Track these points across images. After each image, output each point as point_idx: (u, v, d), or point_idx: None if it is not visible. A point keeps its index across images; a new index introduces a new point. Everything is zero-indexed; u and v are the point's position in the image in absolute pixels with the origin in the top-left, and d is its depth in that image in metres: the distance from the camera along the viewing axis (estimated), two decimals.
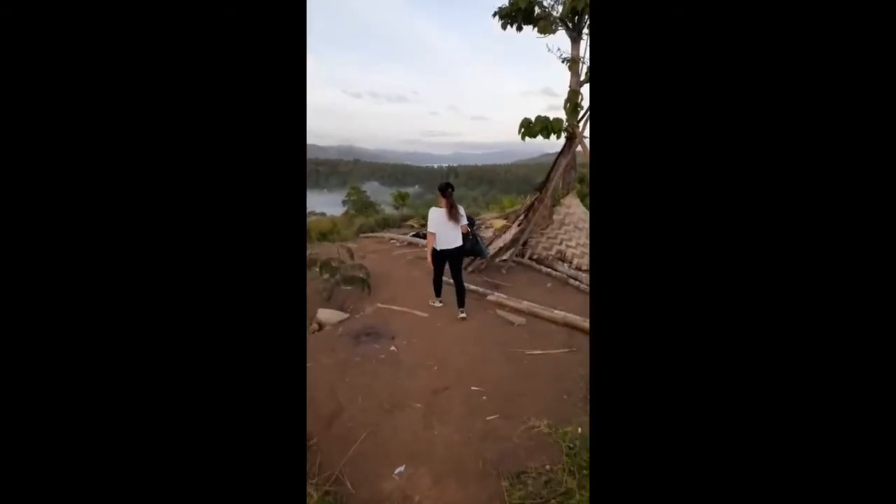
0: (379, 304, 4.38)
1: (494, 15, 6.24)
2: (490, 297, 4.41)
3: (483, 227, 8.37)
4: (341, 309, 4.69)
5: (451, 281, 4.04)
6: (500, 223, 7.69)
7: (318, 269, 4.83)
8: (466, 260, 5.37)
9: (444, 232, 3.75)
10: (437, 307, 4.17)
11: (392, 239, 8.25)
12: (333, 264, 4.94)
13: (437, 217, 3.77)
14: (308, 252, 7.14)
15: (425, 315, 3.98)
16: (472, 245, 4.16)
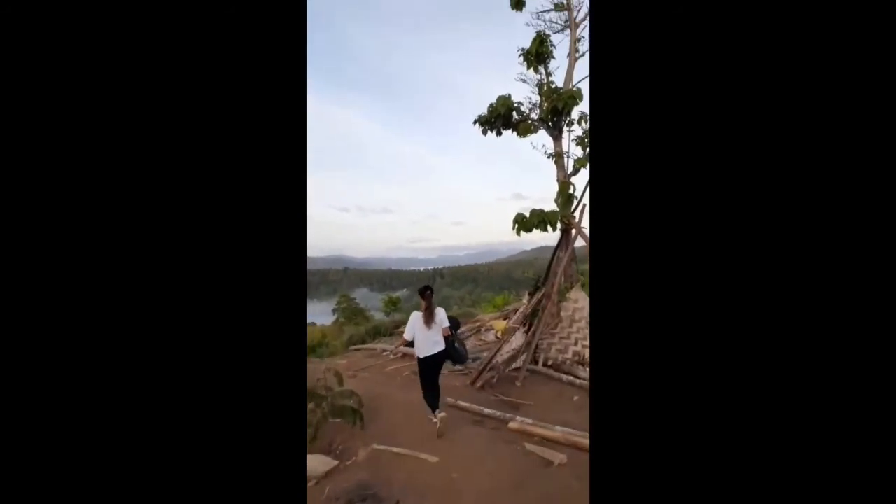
0: (375, 445, 3.49)
1: (475, 122, 6.45)
2: (513, 424, 3.59)
3: (483, 329, 7.69)
4: (328, 451, 3.76)
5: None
6: (501, 324, 7.06)
7: None
8: (473, 373, 4.61)
9: (423, 337, 3.50)
10: (435, 422, 3.56)
11: (385, 351, 7.43)
12: (320, 392, 4.12)
13: (415, 321, 3.55)
14: None
15: (434, 460, 3.10)
16: (451, 348, 3.64)
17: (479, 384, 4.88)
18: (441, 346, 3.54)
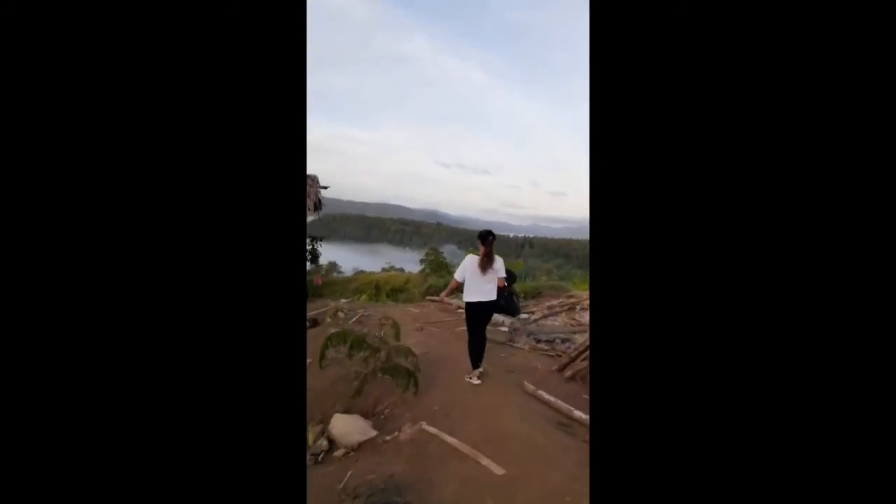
0: (424, 426, 2.68)
1: None
2: None
3: (578, 307, 6.43)
4: (370, 414, 3.08)
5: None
6: None
7: (349, 346, 3.34)
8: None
9: (477, 282, 3.27)
10: (477, 384, 3.35)
11: (460, 308, 6.66)
12: (372, 343, 3.42)
13: (470, 265, 3.28)
14: (358, 314, 5.96)
15: (500, 472, 2.15)
16: (506, 301, 3.50)
17: (568, 373, 3.79)
18: (493, 296, 3.30)
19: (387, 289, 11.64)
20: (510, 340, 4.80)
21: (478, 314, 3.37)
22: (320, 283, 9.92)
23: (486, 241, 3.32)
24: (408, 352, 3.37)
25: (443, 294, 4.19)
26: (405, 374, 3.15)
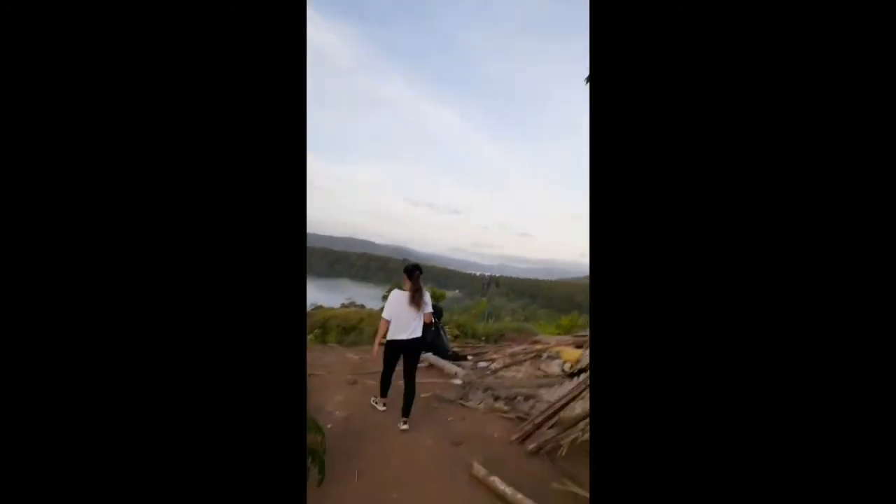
0: None
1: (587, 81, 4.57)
2: None
3: (545, 356, 5.69)
4: None
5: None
6: (573, 353, 5.01)
7: None
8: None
9: (403, 319, 3.10)
10: (381, 410, 3.41)
11: None
12: None
13: (397, 301, 3.12)
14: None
15: None
16: (432, 338, 3.58)
17: (532, 445, 2.97)
18: (419, 333, 3.13)
19: (336, 329, 10.57)
20: (462, 398, 3.96)
21: (400, 353, 3.15)
22: None
23: (412, 276, 3.14)
24: (314, 426, 2.46)
25: (375, 346, 3.36)
26: (309, 455, 2.24)
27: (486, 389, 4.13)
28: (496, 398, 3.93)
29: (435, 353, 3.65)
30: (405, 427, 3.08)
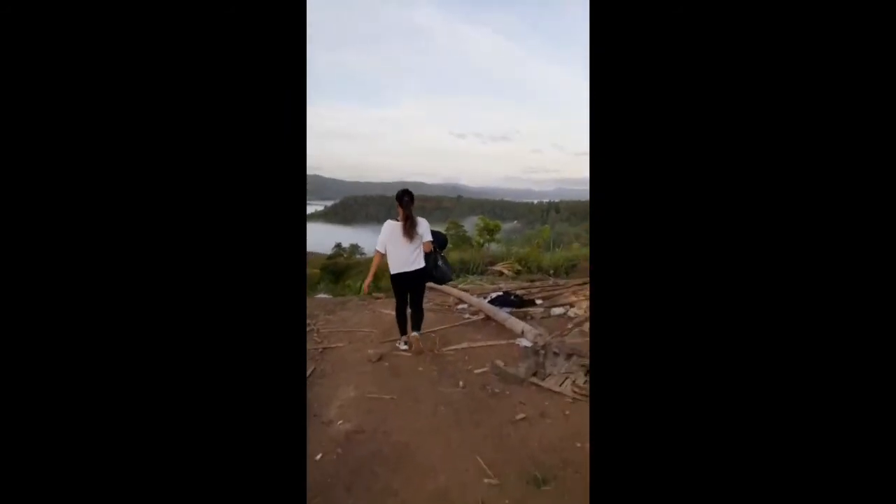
0: None
1: None
2: None
3: None
4: None
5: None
6: None
7: None
8: None
9: (399, 251, 2.93)
10: (403, 349, 3.12)
11: (459, 304, 4.50)
12: None
13: (389, 232, 2.93)
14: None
15: None
16: (432, 267, 2.99)
17: None
18: (421, 264, 2.97)
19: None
20: (536, 373, 2.62)
21: (404, 286, 3.04)
22: None
23: (402, 202, 2.93)
24: None
25: (367, 280, 3.16)
26: None
27: (569, 355, 2.75)
28: (588, 370, 2.55)
29: (434, 282, 3.29)
30: (404, 347, 3.12)
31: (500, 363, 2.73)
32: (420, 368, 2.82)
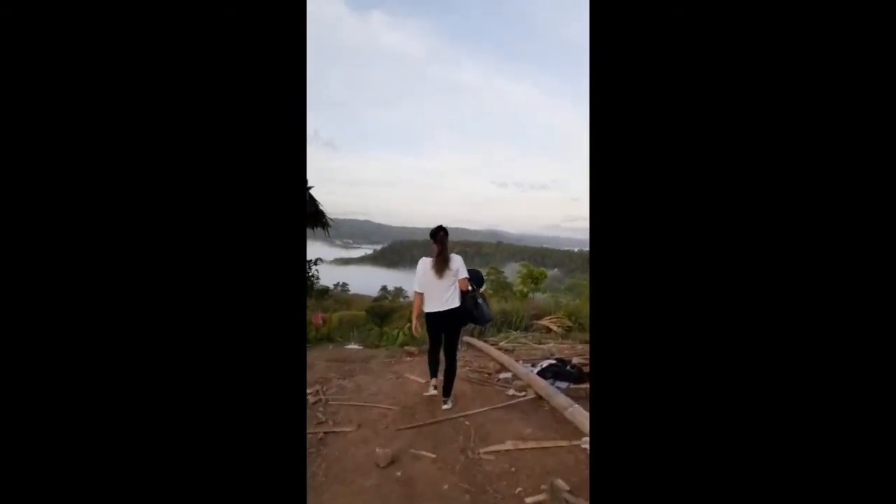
0: None
1: None
2: None
3: None
4: None
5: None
6: None
7: None
8: None
9: (432, 289, 2.77)
10: (433, 393, 2.95)
11: (502, 372, 3.63)
12: None
13: (422, 270, 2.81)
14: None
15: None
16: (471, 306, 2.78)
17: None
18: (455, 303, 2.74)
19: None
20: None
21: (438, 327, 2.83)
22: (321, 322, 6.68)
23: (436, 238, 2.78)
24: None
25: (413, 323, 3.02)
26: None
27: None
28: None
29: (473, 322, 3.05)
30: (447, 406, 2.82)
31: (562, 486, 1.84)
32: (445, 487, 1.96)
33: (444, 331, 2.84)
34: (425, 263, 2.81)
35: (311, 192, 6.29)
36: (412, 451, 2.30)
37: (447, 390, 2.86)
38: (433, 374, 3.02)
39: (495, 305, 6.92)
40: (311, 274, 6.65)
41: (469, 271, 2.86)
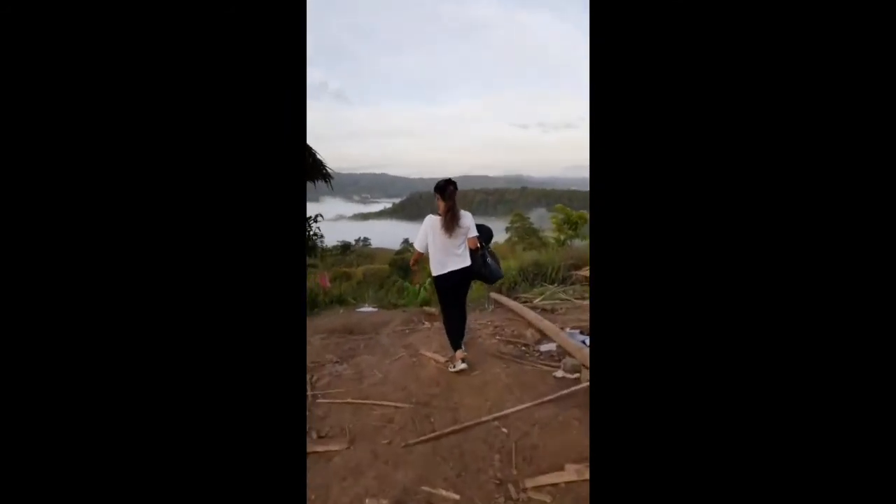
0: None
1: None
2: None
3: None
4: None
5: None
6: None
7: None
8: None
9: (442, 249, 2.48)
10: (461, 368, 2.48)
11: (541, 341, 2.81)
12: None
13: (430, 228, 2.50)
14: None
15: None
16: (478, 266, 2.55)
17: None
18: (466, 262, 2.51)
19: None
20: None
21: (452, 289, 2.54)
22: (328, 283, 5.92)
23: (444, 194, 2.46)
24: None
25: (417, 280, 3.26)
26: None
27: None
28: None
29: (483, 281, 2.73)
30: (463, 366, 2.48)
31: None
32: None
33: (459, 292, 2.59)
34: (434, 221, 2.50)
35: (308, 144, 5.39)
36: (425, 488, 1.53)
37: (457, 342, 2.56)
38: (456, 345, 2.57)
39: (528, 257, 5.95)
40: (312, 232, 5.87)
41: (478, 227, 2.60)
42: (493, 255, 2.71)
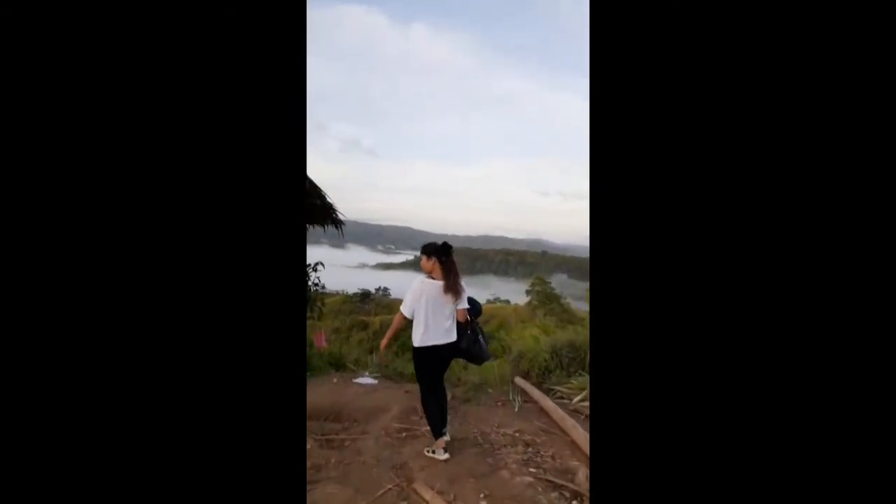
0: None
1: None
2: None
3: None
4: None
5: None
6: None
7: None
8: None
9: (436, 316, 2.15)
10: (443, 459, 2.12)
11: (581, 483, 1.95)
12: None
13: (423, 292, 2.16)
14: None
15: None
16: (467, 343, 2.25)
17: None
18: (453, 336, 2.20)
19: (495, 324, 7.69)
20: None
21: (436, 365, 2.23)
22: (325, 343, 4.94)
23: (441, 258, 2.19)
24: None
25: (383, 343, 2.44)
26: None
27: None
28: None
29: (469, 361, 2.44)
30: (445, 456, 2.13)
31: None
32: None
33: (441, 369, 2.29)
34: (428, 286, 2.17)
35: (319, 186, 4.86)
36: None
37: (438, 429, 2.19)
38: (439, 431, 2.20)
39: (560, 335, 4.99)
40: (312, 281, 5.06)
41: (470, 301, 2.33)
42: (482, 333, 2.41)
